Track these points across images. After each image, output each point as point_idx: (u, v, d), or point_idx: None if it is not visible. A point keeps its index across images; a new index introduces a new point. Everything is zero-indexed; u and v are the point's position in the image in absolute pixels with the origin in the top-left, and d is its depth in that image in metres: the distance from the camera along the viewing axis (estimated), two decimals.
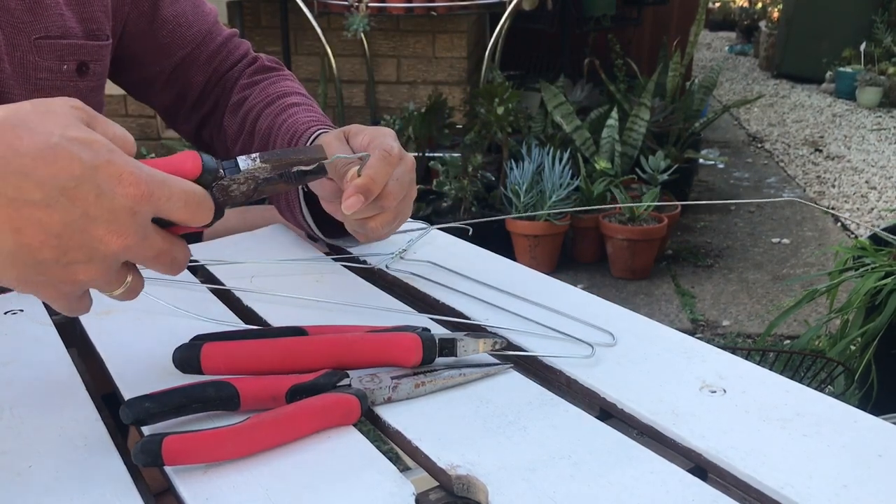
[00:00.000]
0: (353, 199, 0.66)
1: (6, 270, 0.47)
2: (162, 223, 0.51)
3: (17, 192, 0.45)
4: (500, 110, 2.92)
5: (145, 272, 0.54)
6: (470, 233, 0.91)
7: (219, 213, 0.55)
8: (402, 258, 0.84)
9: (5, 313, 0.72)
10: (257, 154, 0.56)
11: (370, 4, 3.03)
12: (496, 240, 2.88)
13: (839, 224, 3.60)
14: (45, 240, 0.46)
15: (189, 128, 1.01)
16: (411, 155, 0.72)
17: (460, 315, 0.71)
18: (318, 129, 0.81)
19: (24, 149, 0.45)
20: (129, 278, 0.52)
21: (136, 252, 0.49)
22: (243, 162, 0.56)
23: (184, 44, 0.94)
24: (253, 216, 1.03)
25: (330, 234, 0.84)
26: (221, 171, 0.54)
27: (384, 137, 0.70)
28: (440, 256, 0.83)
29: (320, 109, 0.92)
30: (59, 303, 0.51)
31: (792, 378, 0.59)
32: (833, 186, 4.11)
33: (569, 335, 0.65)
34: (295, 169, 0.58)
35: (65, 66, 0.80)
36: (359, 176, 0.67)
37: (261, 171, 0.56)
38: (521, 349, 0.65)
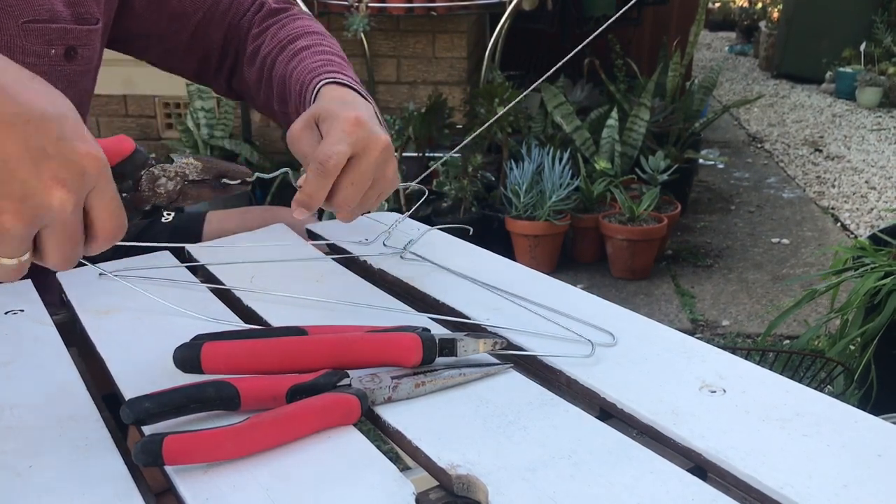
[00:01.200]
0: (297, 212, 0.68)
1: None
2: None
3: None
4: (500, 110, 2.92)
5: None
6: (471, 233, 0.91)
7: (136, 213, 0.56)
8: (402, 259, 0.84)
9: (6, 313, 0.72)
10: (191, 155, 0.59)
11: (370, 4, 3.03)
12: (496, 240, 2.88)
13: (839, 224, 3.60)
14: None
15: (221, 85, 1.01)
16: (383, 136, 0.71)
17: (460, 315, 0.71)
18: (321, 80, 0.80)
19: (11, 71, 0.47)
20: (27, 256, 0.49)
21: (62, 217, 0.47)
22: (177, 159, 0.58)
23: (196, 7, 0.93)
24: (253, 216, 1.03)
25: None
26: (152, 160, 0.56)
27: (331, 137, 0.68)
28: (440, 256, 0.83)
29: (331, 43, 0.92)
30: None
31: (792, 378, 0.60)
32: (833, 186, 4.11)
33: (570, 330, 0.66)
34: (223, 179, 0.61)
35: (52, 51, 0.79)
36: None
37: (191, 170, 0.57)
38: (521, 349, 0.65)
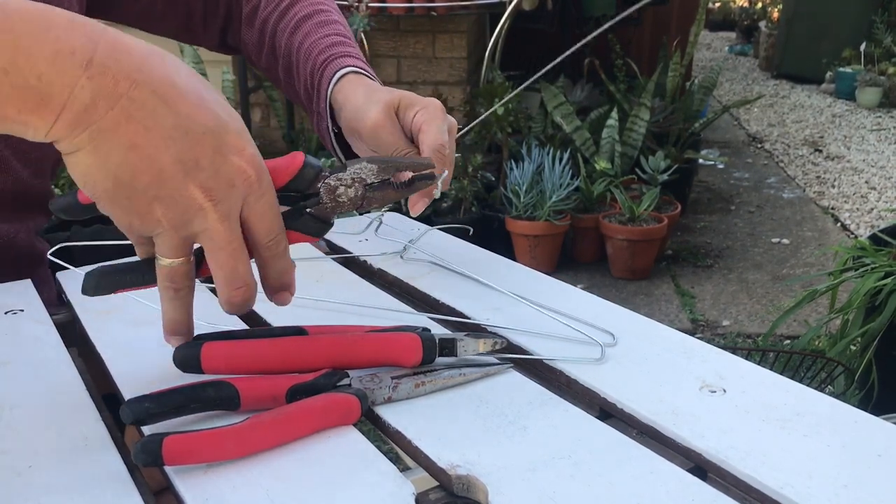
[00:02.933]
0: (419, 205, 0.73)
1: (104, 181, 0.47)
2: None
3: (150, 114, 0.46)
4: (500, 110, 2.92)
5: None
6: (471, 233, 0.91)
7: (324, 227, 0.55)
8: (402, 259, 0.84)
9: (6, 313, 0.72)
10: (363, 158, 0.57)
11: (370, 4, 3.03)
12: (496, 240, 2.88)
13: (839, 224, 3.60)
14: (150, 167, 0.47)
15: (212, 42, 0.98)
16: (452, 119, 0.76)
17: (460, 315, 0.71)
18: (341, 70, 0.80)
19: (180, 83, 0.47)
20: (182, 261, 0.51)
21: (211, 226, 0.49)
22: (350, 165, 0.56)
23: None
24: None
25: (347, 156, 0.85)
26: (326, 172, 0.55)
27: (433, 124, 0.72)
28: (440, 256, 0.83)
29: (334, 12, 0.90)
30: (133, 238, 0.52)
31: (792, 378, 0.59)
32: (833, 187, 4.11)
33: (577, 330, 0.65)
34: (409, 177, 0.59)
35: None
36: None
37: (367, 173, 0.56)
38: (521, 349, 0.64)
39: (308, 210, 0.56)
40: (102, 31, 0.46)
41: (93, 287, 0.54)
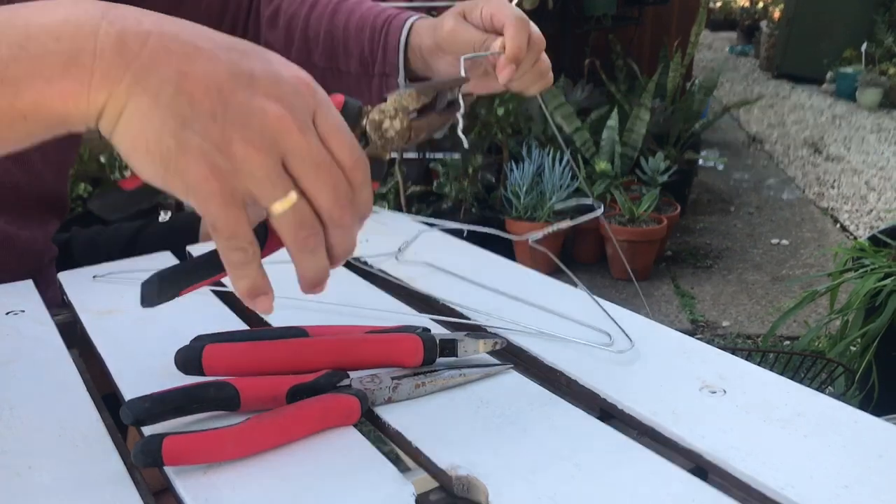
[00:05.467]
0: (507, 71, 0.72)
1: (165, 124, 0.41)
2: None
3: (186, 42, 0.42)
4: (501, 111, 2.92)
5: None
6: (465, 234, 0.91)
7: (380, 167, 0.51)
8: (402, 259, 0.84)
9: (7, 313, 0.72)
10: (402, 87, 0.54)
11: None
12: (496, 241, 2.88)
13: (838, 225, 3.60)
14: (208, 89, 0.41)
15: None
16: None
17: (460, 315, 0.71)
18: (410, 19, 0.82)
19: (202, 27, 0.44)
20: (294, 194, 0.43)
21: (296, 138, 0.42)
22: (389, 96, 0.52)
23: None
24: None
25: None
26: (367, 107, 0.52)
27: (502, 8, 0.74)
28: (440, 257, 0.83)
29: None
30: (211, 189, 0.41)
31: (792, 379, 0.59)
32: (832, 188, 4.11)
33: (584, 325, 0.66)
34: (448, 97, 0.56)
35: None
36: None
37: (409, 101, 0.52)
38: (521, 349, 0.65)
39: None
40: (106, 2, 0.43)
41: (156, 294, 0.48)
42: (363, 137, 0.52)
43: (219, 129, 0.41)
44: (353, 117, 0.50)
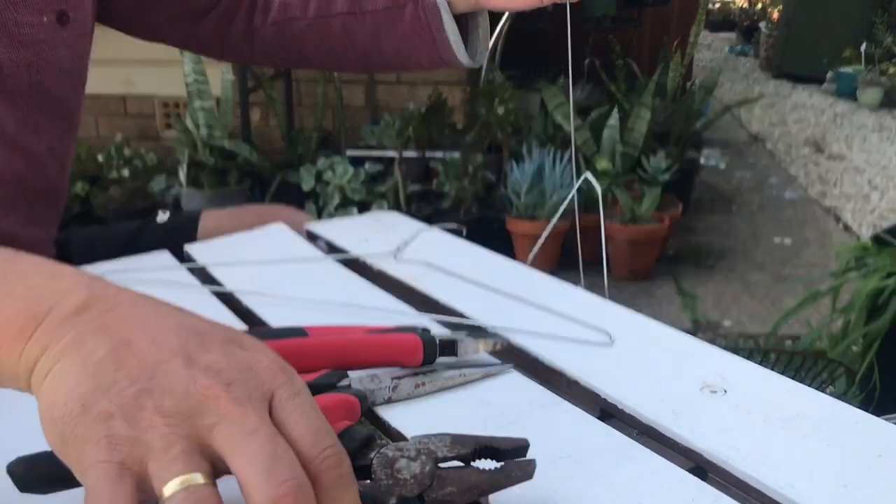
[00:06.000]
0: None
1: (80, 384, 0.35)
2: None
3: (152, 314, 0.38)
4: (501, 110, 2.92)
5: None
6: (464, 233, 0.91)
7: None
8: (402, 259, 0.84)
9: None
10: (435, 434, 0.43)
11: None
12: (496, 240, 2.88)
13: (841, 224, 3.59)
14: (144, 359, 0.36)
15: (218, 32, 0.95)
16: None
17: (461, 315, 0.71)
18: None
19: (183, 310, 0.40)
20: (198, 477, 0.33)
21: (225, 407, 0.34)
22: (412, 443, 0.43)
23: None
24: (250, 216, 1.03)
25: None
26: (382, 440, 0.43)
27: None
28: (440, 256, 0.83)
29: None
30: (98, 455, 0.33)
31: (793, 379, 0.59)
32: (835, 187, 4.11)
33: (583, 324, 0.65)
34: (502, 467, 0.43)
35: (45, 18, 0.78)
36: None
37: (438, 446, 0.42)
38: (522, 349, 0.64)
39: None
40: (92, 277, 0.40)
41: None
42: (367, 472, 0.42)
43: (133, 394, 0.34)
44: (355, 444, 0.42)
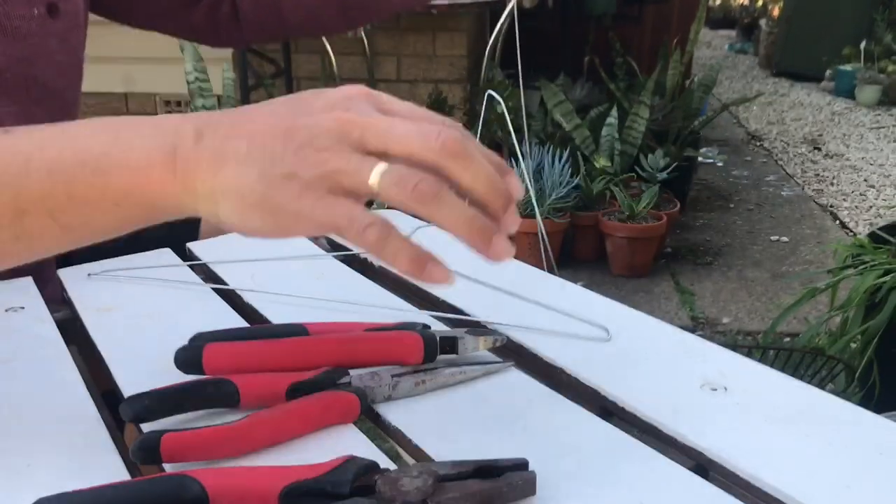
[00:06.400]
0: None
1: (249, 175, 0.43)
2: None
3: (254, 109, 0.46)
4: (500, 109, 2.92)
5: None
6: None
7: None
8: None
9: (6, 310, 0.72)
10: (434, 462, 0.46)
11: None
12: None
13: (837, 222, 3.60)
14: (274, 133, 0.43)
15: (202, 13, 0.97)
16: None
17: (461, 312, 0.71)
18: None
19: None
20: (382, 164, 0.42)
21: (361, 122, 0.42)
22: (411, 470, 0.45)
23: None
24: None
25: None
26: (382, 468, 0.45)
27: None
28: (439, 254, 0.83)
29: None
30: (309, 201, 0.42)
31: (792, 376, 0.59)
32: (832, 184, 4.11)
33: (581, 319, 0.65)
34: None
35: (35, 11, 0.78)
36: None
37: (439, 466, 0.45)
38: (522, 346, 0.64)
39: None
40: None
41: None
42: (371, 491, 0.44)
43: (292, 155, 0.42)
44: (359, 470, 0.44)
